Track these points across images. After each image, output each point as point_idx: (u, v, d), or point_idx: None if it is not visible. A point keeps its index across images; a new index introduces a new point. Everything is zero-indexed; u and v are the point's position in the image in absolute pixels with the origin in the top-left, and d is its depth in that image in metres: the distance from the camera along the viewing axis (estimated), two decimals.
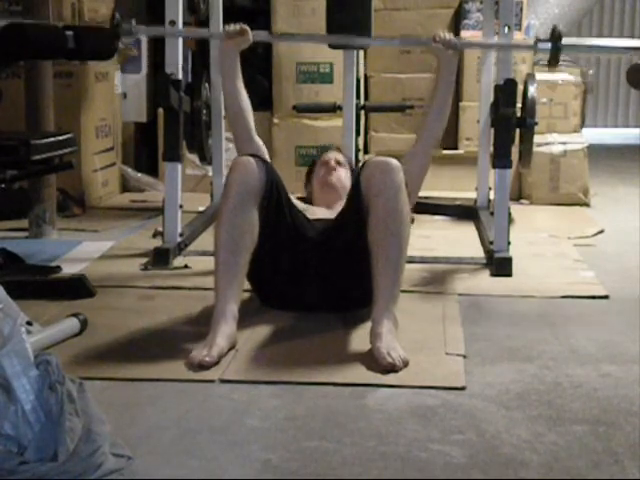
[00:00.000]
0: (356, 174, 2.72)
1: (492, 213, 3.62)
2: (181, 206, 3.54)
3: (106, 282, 3.13)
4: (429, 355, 2.41)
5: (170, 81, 3.45)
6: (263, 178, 2.59)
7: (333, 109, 4.19)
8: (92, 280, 3.03)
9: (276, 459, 1.80)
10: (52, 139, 3.14)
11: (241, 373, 2.29)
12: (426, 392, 2.16)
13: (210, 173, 4.30)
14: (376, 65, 5.10)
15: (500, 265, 3.30)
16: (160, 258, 3.38)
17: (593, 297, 3.04)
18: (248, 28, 3.04)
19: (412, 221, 2.72)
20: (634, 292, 3.11)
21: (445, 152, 4.90)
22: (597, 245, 3.88)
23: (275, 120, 4.85)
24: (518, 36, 4.73)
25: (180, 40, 3.51)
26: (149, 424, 1.97)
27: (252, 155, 2.66)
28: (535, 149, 4.06)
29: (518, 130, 3.68)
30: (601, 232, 4.10)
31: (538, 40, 3.33)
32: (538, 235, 3.99)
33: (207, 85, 3.91)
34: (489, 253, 3.43)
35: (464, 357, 2.41)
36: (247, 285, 2.72)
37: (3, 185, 2.98)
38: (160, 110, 4.47)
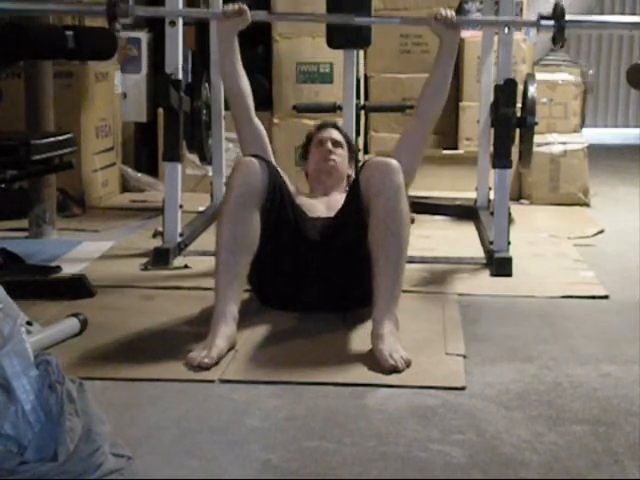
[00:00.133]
0: (356, 174, 2.71)
1: (492, 213, 3.62)
2: (181, 206, 3.54)
3: (106, 282, 3.13)
4: (429, 355, 2.41)
5: (170, 81, 3.45)
6: (265, 179, 2.58)
7: (333, 109, 4.19)
8: (92, 280, 3.03)
9: (276, 459, 1.80)
10: (52, 139, 3.14)
11: (241, 373, 2.29)
12: (426, 392, 2.16)
13: (210, 173, 4.30)
14: (376, 65, 5.10)
15: (500, 265, 3.30)
16: (160, 258, 3.38)
17: (593, 297, 3.04)
18: (246, 8, 2.96)
19: (412, 221, 2.72)
20: (634, 292, 3.11)
21: (445, 152, 4.90)
22: (597, 245, 3.88)
23: (275, 120, 4.85)
24: (518, 36, 4.73)
25: (180, 40, 3.51)
26: (149, 424, 1.97)
27: (255, 156, 2.65)
28: (535, 149, 4.06)
29: (518, 130, 3.68)
30: (601, 232, 4.10)
31: (541, 17, 3.25)
32: (538, 235, 3.99)
33: (207, 85, 3.91)
34: (489, 253, 3.43)
35: (464, 357, 2.41)
36: (247, 285, 2.72)
37: (3, 185, 2.98)
38: (160, 110, 4.46)
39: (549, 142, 4.83)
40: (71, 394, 1.71)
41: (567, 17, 3.13)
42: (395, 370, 2.27)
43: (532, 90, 3.76)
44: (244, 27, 2.98)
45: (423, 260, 3.41)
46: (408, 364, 2.31)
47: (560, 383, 2.24)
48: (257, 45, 5.07)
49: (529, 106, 3.73)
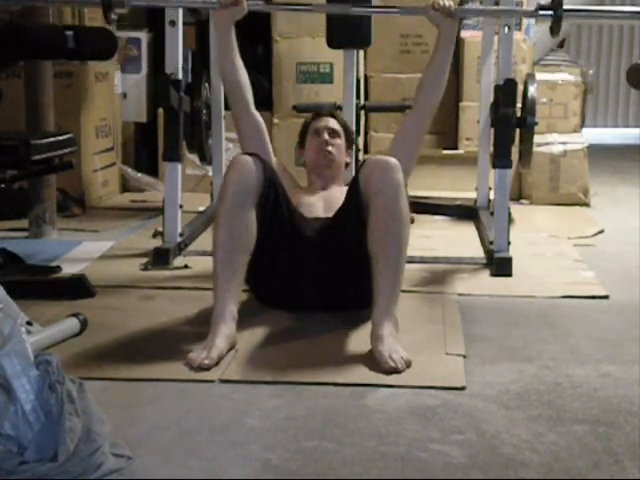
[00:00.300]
0: (355, 173, 2.70)
1: (492, 213, 3.62)
2: (181, 206, 3.55)
3: (106, 282, 3.13)
4: (429, 355, 2.41)
5: (170, 81, 3.46)
6: (261, 177, 2.57)
7: (333, 109, 4.18)
8: (92, 280, 3.03)
9: (276, 459, 1.80)
10: (52, 139, 3.14)
11: (241, 373, 2.29)
12: (426, 392, 2.16)
13: (210, 173, 4.30)
14: (376, 65, 5.10)
15: (500, 265, 3.30)
16: (160, 258, 3.38)
17: (593, 297, 3.04)
18: None
19: (412, 221, 2.72)
20: (634, 292, 3.10)
21: (445, 152, 4.90)
22: (597, 245, 3.87)
23: (275, 120, 4.85)
24: (518, 36, 4.73)
25: (180, 40, 3.51)
26: (149, 424, 1.97)
27: (250, 154, 2.64)
28: (535, 149, 4.06)
29: (518, 130, 3.68)
30: (601, 232, 4.10)
31: (540, 7, 3.23)
32: (538, 235, 3.99)
33: (207, 85, 3.91)
34: (489, 253, 3.43)
35: (464, 357, 2.41)
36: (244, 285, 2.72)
37: (3, 185, 2.98)
38: (160, 110, 4.46)
39: (549, 142, 4.83)
40: (71, 394, 1.71)
41: (565, 7, 3.11)
42: (395, 371, 2.27)
43: (532, 90, 3.76)
44: (241, 17, 2.93)
45: (423, 260, 3.41)
46: (408, 364, 2.31)
47: (560, 383, 2.24)
48: (257, 45, 5.07)
49: (529, 106, 3.73)
